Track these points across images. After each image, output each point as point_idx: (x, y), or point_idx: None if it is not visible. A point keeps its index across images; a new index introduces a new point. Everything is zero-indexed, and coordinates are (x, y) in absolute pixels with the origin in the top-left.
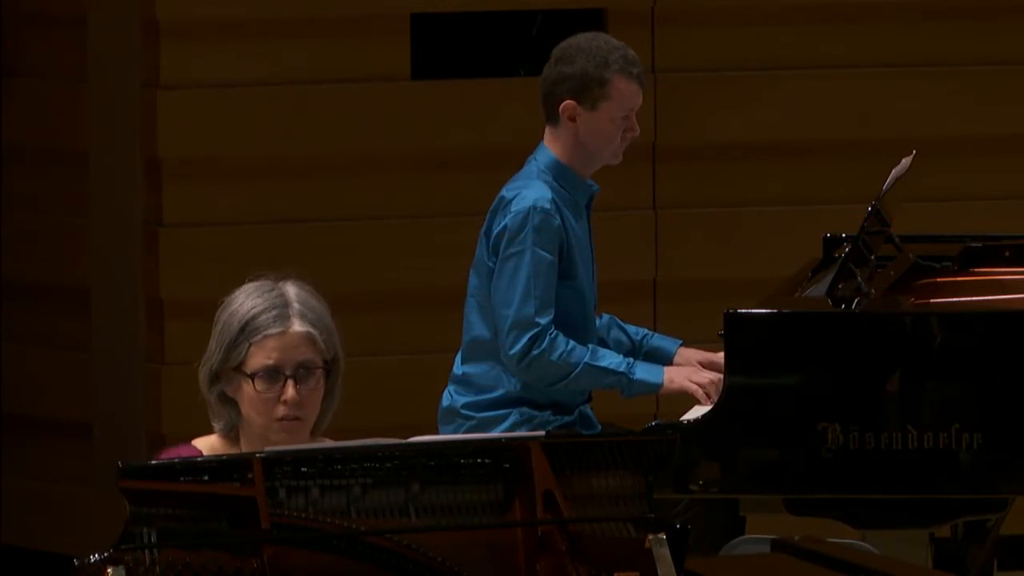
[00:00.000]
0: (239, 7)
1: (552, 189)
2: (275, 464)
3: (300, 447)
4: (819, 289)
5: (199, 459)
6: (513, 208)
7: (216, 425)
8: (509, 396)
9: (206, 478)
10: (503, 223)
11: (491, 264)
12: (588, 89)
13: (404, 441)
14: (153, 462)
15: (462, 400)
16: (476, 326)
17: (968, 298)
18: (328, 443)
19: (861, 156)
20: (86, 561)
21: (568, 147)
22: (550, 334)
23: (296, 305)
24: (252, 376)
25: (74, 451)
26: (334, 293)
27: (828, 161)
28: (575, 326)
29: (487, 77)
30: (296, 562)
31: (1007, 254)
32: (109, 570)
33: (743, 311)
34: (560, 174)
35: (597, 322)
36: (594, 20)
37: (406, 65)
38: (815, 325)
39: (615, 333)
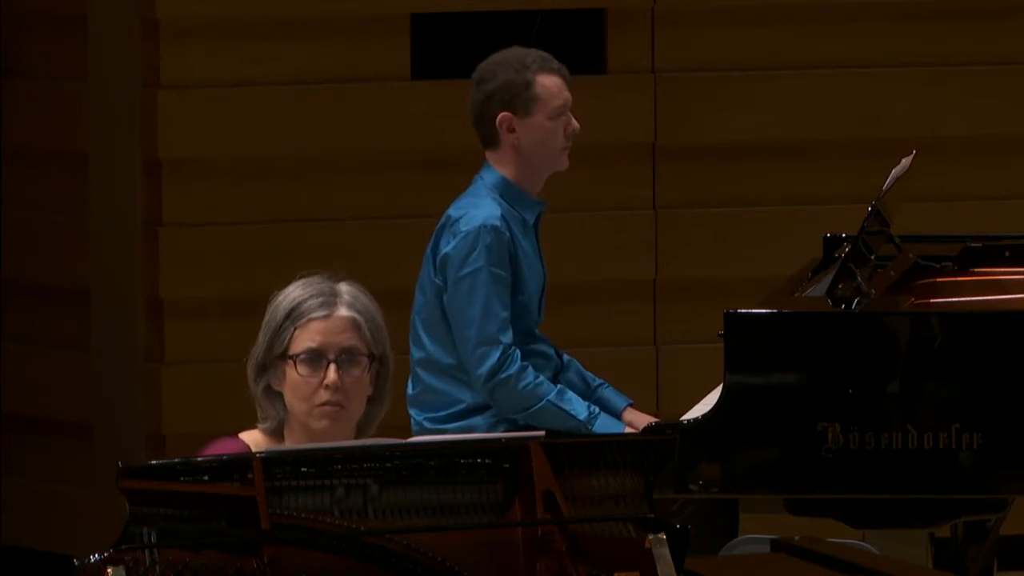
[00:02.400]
0: (239, 7)
1: (500, 207)
2: (275, 464)
3: (300, 447)
4: (819, 289)
5: (199, 459)
6: (462, 228)
7: (262, 425)
8: (474, 406)
9: (206, 478)
10: (451, 243)
11: (438, 282)
12: (516, 95)
13: (404, 441)
14: (153, 462)
15: (424, 416)
16: (425, 344)
17: (968, 298)
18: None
19: (861, 156)
20: (86, 561)
21: (513, 163)
22: (519, 362)
23: (345, 296)
24: (295, 358)
25: (74, 451)
26: None
27: (828, 161)
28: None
29: None
30: (296, 562)
31: (1007, 254)
32: (109, 570)
33: (743, 311)
34: (508, 192)
35: (559, 363)
36: (594, 20)
37: (406, 65)
38: (815, 325)
39: (571, 376)
